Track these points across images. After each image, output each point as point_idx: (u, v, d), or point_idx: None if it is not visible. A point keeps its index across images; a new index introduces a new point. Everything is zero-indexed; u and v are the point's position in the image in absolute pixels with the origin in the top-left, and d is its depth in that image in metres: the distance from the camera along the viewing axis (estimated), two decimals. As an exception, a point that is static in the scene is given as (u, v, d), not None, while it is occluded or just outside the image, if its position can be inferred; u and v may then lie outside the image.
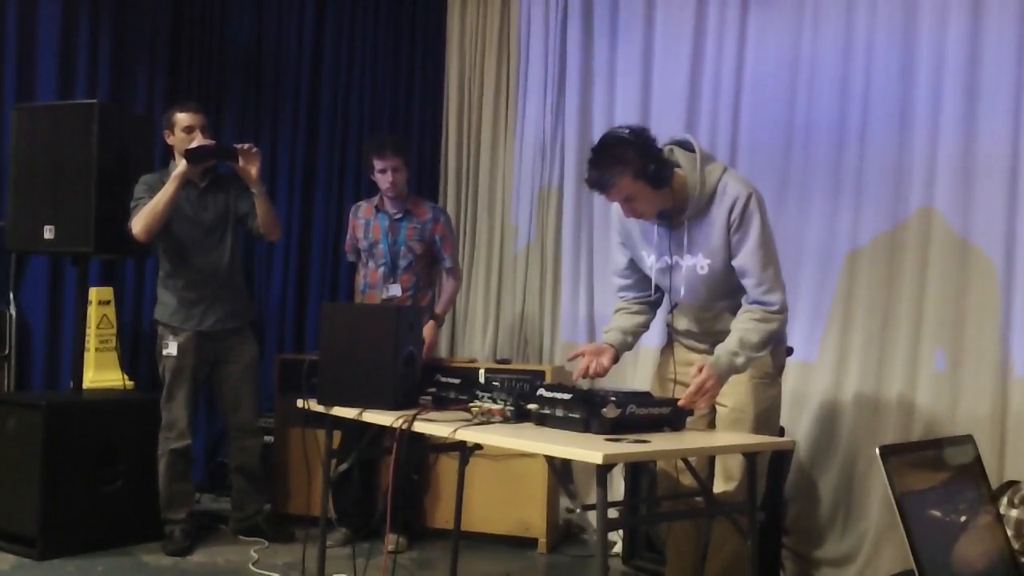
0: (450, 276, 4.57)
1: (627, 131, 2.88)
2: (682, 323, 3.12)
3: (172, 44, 5.33)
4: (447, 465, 4.29)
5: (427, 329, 4.24)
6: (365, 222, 4.46)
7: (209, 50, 5.45)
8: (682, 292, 3.01)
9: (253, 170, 4.14)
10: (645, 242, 3.07)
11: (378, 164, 4.32)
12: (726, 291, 2.97)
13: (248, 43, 5.51)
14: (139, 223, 4.07)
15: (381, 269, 4.40)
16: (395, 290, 4.34)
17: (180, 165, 4.08)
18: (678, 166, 2.93)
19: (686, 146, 2.99)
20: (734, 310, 2.96)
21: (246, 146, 4.13)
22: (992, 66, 3.57)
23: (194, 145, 4.08)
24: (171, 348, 4.22)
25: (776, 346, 3.02)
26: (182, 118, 4.21)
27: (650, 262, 3.08)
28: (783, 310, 2.88)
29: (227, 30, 5.48)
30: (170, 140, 4.27)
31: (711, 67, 4.51)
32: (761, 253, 2.86)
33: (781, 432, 3.80)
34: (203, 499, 4.95)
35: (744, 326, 2.86)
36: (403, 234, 4.40)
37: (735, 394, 3.01)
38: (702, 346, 3.06)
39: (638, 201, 2.88)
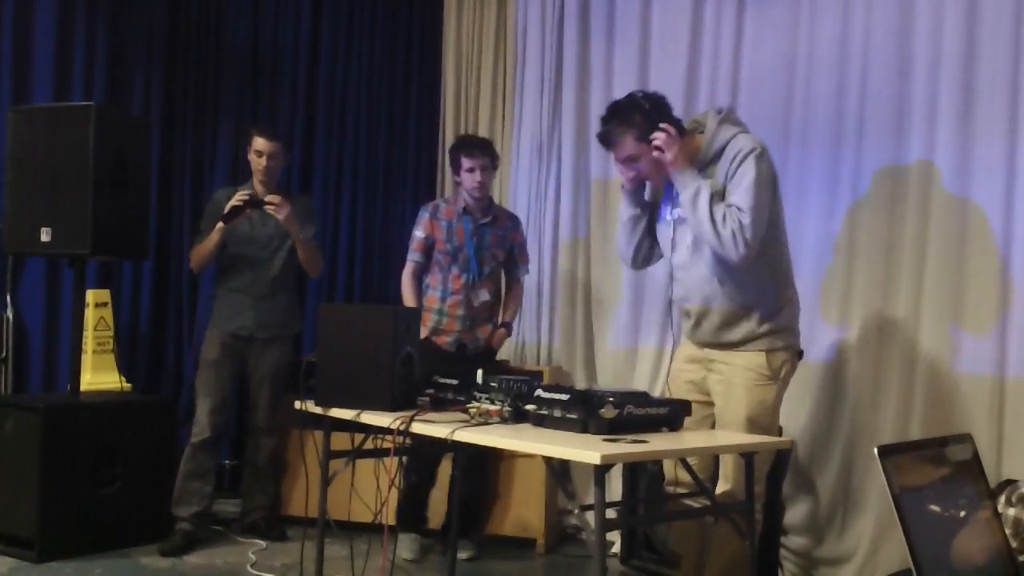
0: (518, 285, 4.49)
1: (641, 95, 3.07)
2: (679, 289, 3.16)
3: (169, 45, 5.33)
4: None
5: (502, 334, 4.35)
6: (447, 224, 4.28)
7: (206, 51, 5.45)
8: (685, 245, 3.08)
9: (282, 219, 4.28)
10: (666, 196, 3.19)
11: (467, 163, 4.20)
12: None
13: (245, 44, 5.51)
14: (192, 260, 4.50)
15: (465, 275, 4.24)
16: (483, 295, 4.26)
17: (219, 224, 4.27)
18: (701, 132, 3.07)
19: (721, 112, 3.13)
20: (724, 280, 3.00)
21: (269, 199, 4.24)
22: (988, 64, 3.57)
23: (227, 209, 4.22)
24: (208, 343, 4.44)
25: (772, 350, 3.03)
26: (257, 142, 4.43)
27: (669, 219, 3.17)
28: (744, 257, 2.89)
29: (223, 30, 5.47)
30: (248, 156, 4.46)
31: (708, 66, 4.51)
32: (752, 194, 2.88)
33: (779, 432, 3.81)
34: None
35: (715, 203, 2.90)
36: (487, 240, 4.29)
37: (729, 394, 3.04)
38: (694, 307, 3.10)
39: (640, 163, 3.05)
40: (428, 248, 4.30)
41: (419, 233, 4.30)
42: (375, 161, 5.77)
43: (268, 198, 4.25)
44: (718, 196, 2.94)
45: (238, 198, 4.22)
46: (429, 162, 5.79)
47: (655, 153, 3.00)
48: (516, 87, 5.36)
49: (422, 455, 4.09)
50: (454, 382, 3.09)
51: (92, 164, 4.04)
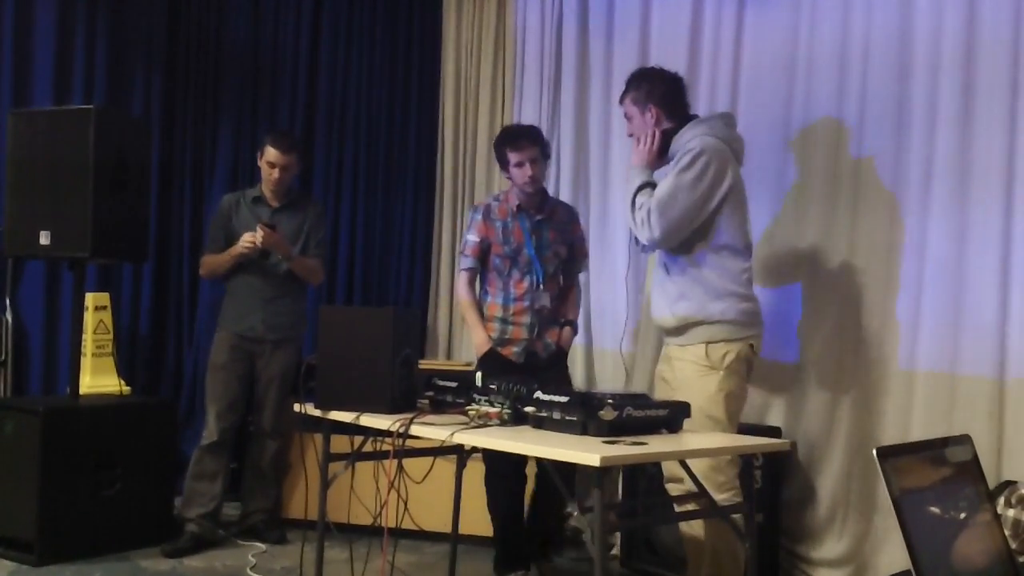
0: (573, 285, 4.15)
1: (662, 70, 3.43)
2: (653, 278, 3.42)
3: (169, 46, 5.34)
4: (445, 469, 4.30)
5: (568, 333, 4.02)
6: (502, 224, 3.92)
7: (206, 52, 5.45)
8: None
9: (271, 248, 4.31)
10: None
11: (514, 157, 3.82)
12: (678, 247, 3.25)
13: (245, 44, 5.52)
14: (204, 270, 4.54)
15: (528, 278, 3.90)
16: (545, 299, 3.90)
17: (239, 248, 4.28)
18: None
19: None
20: (667, 266, 3.27)
21: (247, 241, 4.27)
22: (988, 64, 3.56)
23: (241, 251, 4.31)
24: (216, 346, 4.45)
25: (712, 342, 3.18)
26: (270, 152, 4.41)
27: None
28: (651, 241, 3.20)
29: (223, 31, 5.49)
30: (260, 163, 4.46)
31: (707, 66, 4.50)
32: (667, 188, 3.15)
33: (777, 433, 3.81)
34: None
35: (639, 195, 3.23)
36: (546, 237, 3.94)
37: (679, 388, 3.20)
38: (653, 289, 3.36)
39: (632, 123, 3.40)
40: (483, 252, 3.97)
41: (472, 237, 3.98)
42: (375, 162, 5.77)
43: (246, 240, 4.25)
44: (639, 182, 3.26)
45: (245, 248, 4.28)
46: (429, 162, 5.79)
47: (635, 143, 3.36)
48: (515, 87, 5.36)
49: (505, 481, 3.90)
50: (453, 384, 3.08)
51: (92, 167, 4.04)
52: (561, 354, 4.04)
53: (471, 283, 4.02)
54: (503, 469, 3.89)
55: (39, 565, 3.91)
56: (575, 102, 5.05)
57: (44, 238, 4.08)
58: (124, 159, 4.22)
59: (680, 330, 3.25)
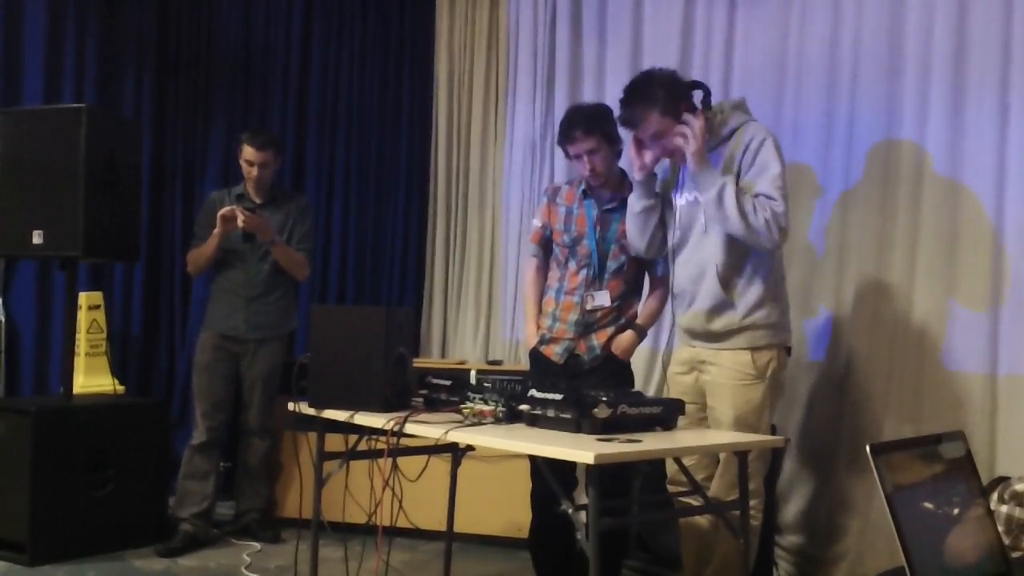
0: (660, 285, 3.58)
1: (658, 71, 3.10)
2: (681, 272, 3.18)
3: (160, 45, 5.32)
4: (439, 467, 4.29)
5: (626, 338, 3.53)
6: (566, 211, 3.58)
7: (197, 51, 5.44)
8: (694, 229, 3.11)
9: (254, 233, 4.28)
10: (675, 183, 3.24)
11: (571, 150, 3.48)
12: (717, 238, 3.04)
13: (236, 45, 5.51)
14: (189, 264, 4.49)
15: (584, 271, 3.52)
16: (602, 299, 3.50)
17: (218, 228, 4.22)
18: (709, 108, 3.10)
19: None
20: (722, 266, 3.02)
21: (240, 222, 4.21)
22: (978, 62, 3.57)
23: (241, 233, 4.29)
24: (201, 346, 4.45)
25: (756, 348, 3.05)
26: (246, 151, 4.43)
27: (677, 203, 3.19)
28: (778, 243, 2.94)
29: (215, 31, 5.47)
30: (240, 161, 4.48)
31: (699, 66, 4.51)
32: (781, 183, 2.91)
33: (773, 430, 3.82)
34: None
35: (741, 196, 2.90)
36: (614, 229, 3.51)
37: (716, 394, 3.08)
38: (689, 288, 3.13)
39: (667, 138, 3.02)
40: (547, 240, 3.67)
41: (536, 222, 3.70)
42: (367, 162, 5.77)
43: (240, 222, 4.19)
44: (732, 181, 2.95)
45: (225, 213, 4.21)
46: (422, 162, 5.78)
47: (677, 141, 3.00)
48: (508, 88, 5.36)
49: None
50: (447, 382, 3.09)
51: (83, 166, 4.03)
52: (610, 360, 3.55)
53: (536, 271, 3.72)
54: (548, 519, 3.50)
55: (32, 565, 3.90)
56: (568, 102, 5.02)
57: (36, 237, 4.07)
58: (115, 158, 4.21)
59: (725, 335, 3.08)
